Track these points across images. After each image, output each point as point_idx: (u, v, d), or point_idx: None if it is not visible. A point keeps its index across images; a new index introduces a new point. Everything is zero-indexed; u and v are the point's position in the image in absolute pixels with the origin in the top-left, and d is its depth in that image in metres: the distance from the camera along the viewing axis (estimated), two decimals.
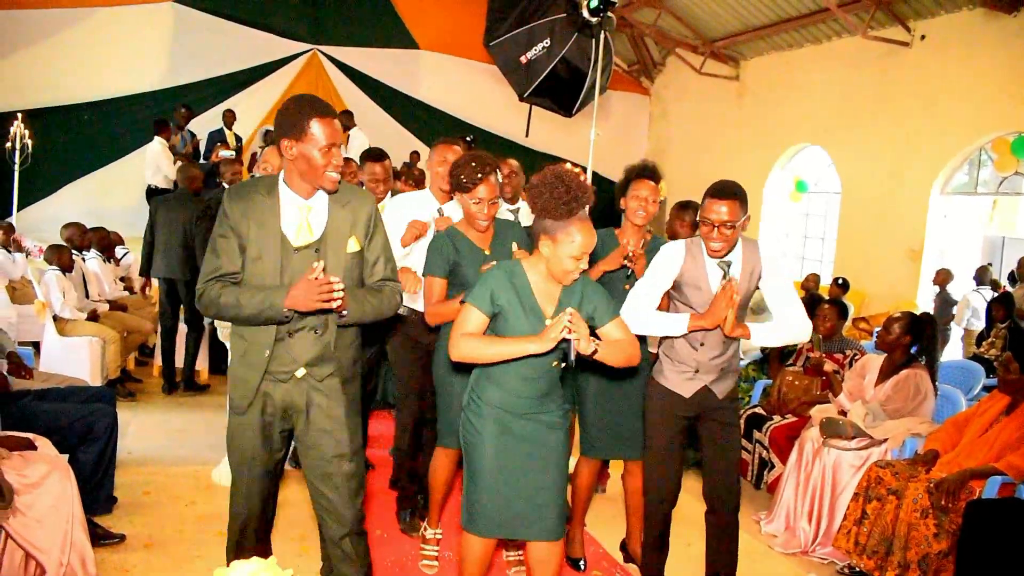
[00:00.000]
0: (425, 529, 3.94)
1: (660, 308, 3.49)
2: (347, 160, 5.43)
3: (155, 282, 6.83)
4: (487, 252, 3.54)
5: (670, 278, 3.35)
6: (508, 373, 2.82)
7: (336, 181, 2.73)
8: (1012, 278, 9.19)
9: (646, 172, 3.73)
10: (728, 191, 3.21)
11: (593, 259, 3.63)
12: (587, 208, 2.79)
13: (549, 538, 2.91)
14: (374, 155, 4.78)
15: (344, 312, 2.71)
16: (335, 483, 2.84)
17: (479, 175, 3.38)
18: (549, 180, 2.75)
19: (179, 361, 6.91)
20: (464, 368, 3.03)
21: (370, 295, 2.82)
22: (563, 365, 2.83)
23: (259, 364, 2.77)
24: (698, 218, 3.27)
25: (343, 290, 2.61)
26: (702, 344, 3.33)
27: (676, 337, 3.36)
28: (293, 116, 2.65)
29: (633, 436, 3.77)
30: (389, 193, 4.70)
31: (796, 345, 5.47)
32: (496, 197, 3.46)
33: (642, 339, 3.53)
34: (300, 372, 2.80)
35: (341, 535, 2.88)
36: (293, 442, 3.00)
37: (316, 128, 2.63)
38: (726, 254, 3.27)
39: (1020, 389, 4.07)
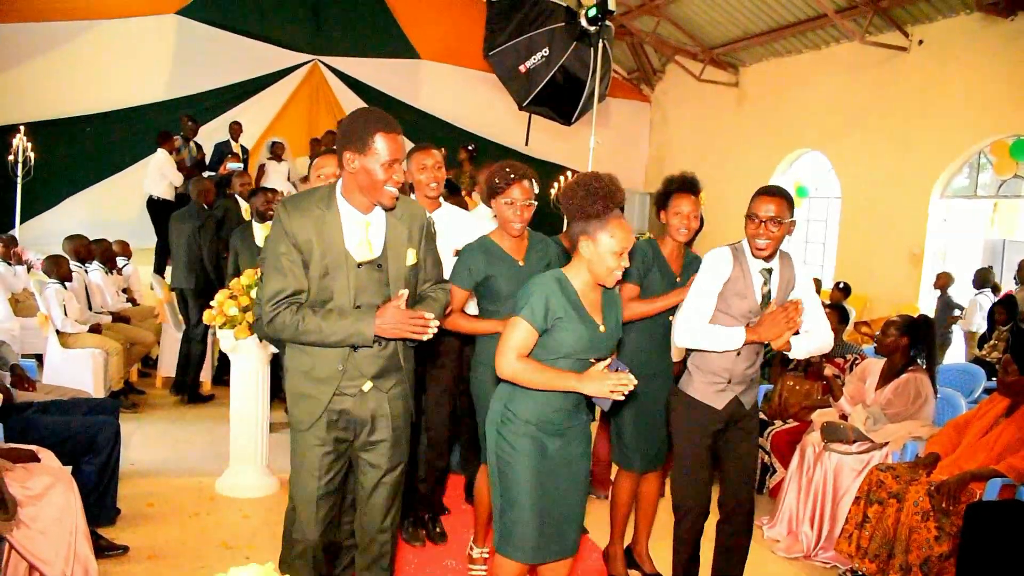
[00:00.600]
0: (472, 549, 3.87)
1: None
2: None
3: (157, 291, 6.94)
4: (521, 263, 3.50)
5: (720, 287, 3.28)
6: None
7: (395, 197, 2.70)
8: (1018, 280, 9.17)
9: (686, 185, 3.65)
10: (776, 190, 3.27)
11: (646, 269, 3.63)
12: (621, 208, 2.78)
13: (571, 555, 2.91)
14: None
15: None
16: (385, 493, 2.86)
17: (512, 176, 3.39)
18: (583, 179, 2.75)
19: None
20: None
21: (430, 308, 2.81)
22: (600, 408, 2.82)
23: (332, 379, 2.75)
24: (746, 215, 3.24)
25: (438, 326, 2.66)
26: (738, 354, 3.28)
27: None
28: (358, 129, 2.64)
29: (662, 447, 3.77)
30: None
31: None
32: (530, 200, 3.42)
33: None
34: (367, 386, 2.79)
35: (378, 542, 2.89)
36: None
37: (380, 143, 2.61)
38: (770, 256, 3.25)
39: (1019, 391, 4.08)
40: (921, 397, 4.53)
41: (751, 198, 3.27)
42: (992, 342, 7.53)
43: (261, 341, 4.49)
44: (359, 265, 2.72)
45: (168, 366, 7.25)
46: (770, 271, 3.28)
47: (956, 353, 9.29)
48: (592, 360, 2.74)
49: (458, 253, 3.61)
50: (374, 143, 2.61)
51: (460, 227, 3.91)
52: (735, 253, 3.29)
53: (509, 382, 2.81)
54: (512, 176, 3.39)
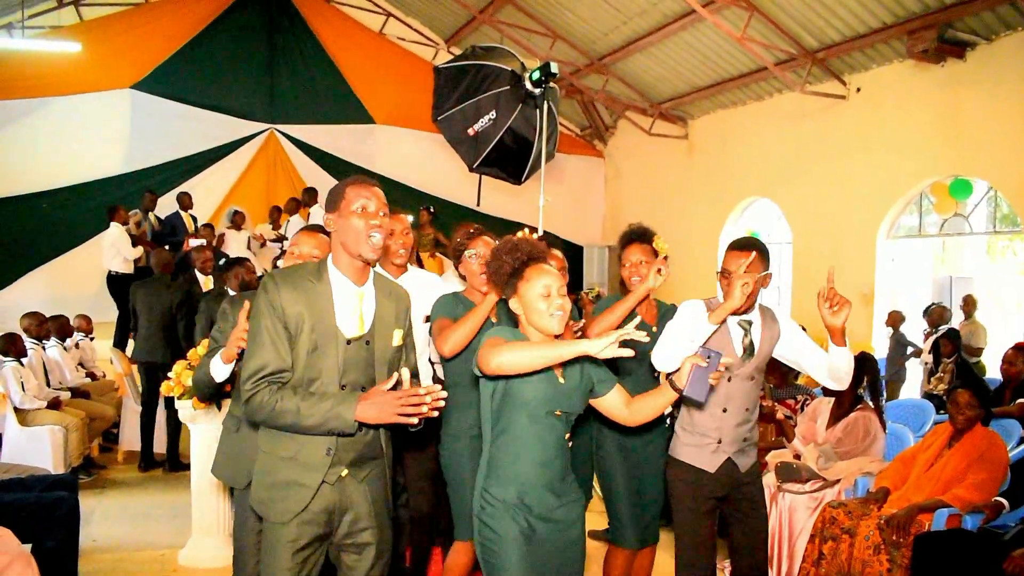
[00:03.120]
0: None
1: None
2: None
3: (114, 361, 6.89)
4: (493, 320, 3.43)
5: (694, 328, 3.13)
6: (520, 461, 2.65)
7: (378, 248, 2.56)
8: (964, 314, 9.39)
9: (633, 236, 3.67)
10: (751, 244, 3.19)
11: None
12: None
13: None
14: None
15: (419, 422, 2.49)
16: None
17: (472, 231, 3.56)
18: (497, 250, 2.82)
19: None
20: (476, 457, 2.88)
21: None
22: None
23: (320, 465, 2.52)
24: (720, 272, 3.20)
25: (445, 399, 2.40)
26: (725, 410, 3.20)
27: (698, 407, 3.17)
28: (333, 192, 2.62)
29: (654, 520, 3.63)
30: None
31: None
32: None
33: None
34: (344, 472, 2.58)
35: None
36: None
37: (351, 193, 2.56)
38: (747, 310, 3.20)
39: (973, 420, 4.19)
40: (870, 434, 4.67)
41: (725, 253, 3.22)
42: (939, 374, 7.73)
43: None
44: (348, 341, 2.55)
45: (129, 440, 7.20)
46: (750, 323, 3.23)
47: (913, 389, 9.48)
48: (557, 412, 2.66)
49: (428, 320, 3.59)
50: (345, 196, 2.57)
51: (429, 292, 3.81)
52: (709, 305, 3.19)
53: (486, 466, 2.71)
54: (472, 232, 3.55)
